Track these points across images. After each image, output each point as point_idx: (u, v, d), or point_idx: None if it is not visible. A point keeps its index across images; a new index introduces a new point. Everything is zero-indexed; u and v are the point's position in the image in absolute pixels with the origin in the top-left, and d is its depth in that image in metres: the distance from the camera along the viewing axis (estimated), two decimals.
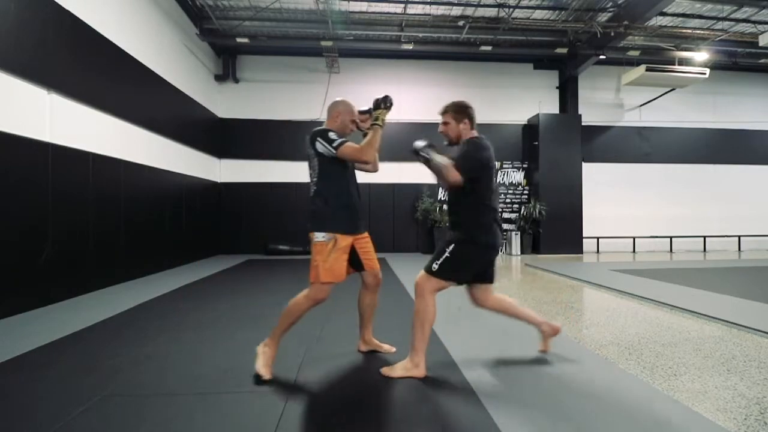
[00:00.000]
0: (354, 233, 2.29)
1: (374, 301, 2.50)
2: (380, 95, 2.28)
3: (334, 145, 2.16)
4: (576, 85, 10.05)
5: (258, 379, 2.10)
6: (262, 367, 2.14)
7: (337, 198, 2.24)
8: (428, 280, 2.22)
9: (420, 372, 2.16)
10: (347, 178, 2.30)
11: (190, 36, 7.85)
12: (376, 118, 2.24)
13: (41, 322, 3.34)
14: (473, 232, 2.22)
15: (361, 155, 2.17)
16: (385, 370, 2.20)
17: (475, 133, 2.37)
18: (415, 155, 2.20)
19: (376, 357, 2.48)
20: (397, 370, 2.18)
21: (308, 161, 2.28)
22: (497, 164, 10.07)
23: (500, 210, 2.23)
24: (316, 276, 2.16)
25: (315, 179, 2.25)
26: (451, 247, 2.21)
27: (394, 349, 2.57)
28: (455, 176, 2.14)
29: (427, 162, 2.16)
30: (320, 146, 2.18)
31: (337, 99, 2.43)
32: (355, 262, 2.35)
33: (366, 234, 2.41)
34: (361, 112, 2.39)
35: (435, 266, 2.21)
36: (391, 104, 2.27)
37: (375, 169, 2.47)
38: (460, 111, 2.36)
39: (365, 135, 2.36)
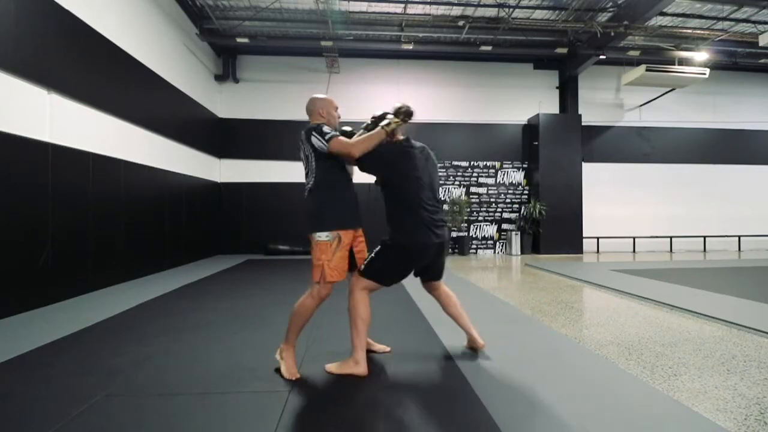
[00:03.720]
0: (355, 228, 2.29)
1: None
2: (405, 106, 2.23)
3: (327, 138, 2.14)
4: (576, 85, 10.05)
5: (290, 382, 2.10)
6: (287, 372, 2.15)
7: (336, 193, 2.22)
8: (358, 278, 2.25)
9: (360, 369, 2.16)
10: (343, 173, 2.28)
11: (190, 36, 7.85)
12: (388, 123, 2.21)
13: (41, 322, 3.34)
14: (394, 234, 2.25)
15: (351, 149, 2.13)
16: (329, 367, 2.22)
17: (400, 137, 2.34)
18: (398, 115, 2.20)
19: (374, 357, 2.48)
20: (338, 367, 2.20)
21: (303, 160, 2.25)
22: (497, 164, 10.13)
23: (433, 208, 2.20)
24: (322, 276, 2.15)
25: (312, 177, 2.21)
26: (376, 249, 2.25)
27: (388, 349, 2.57)
28: (355, 150, 2.13)
29: (377, 123, 2.19)
30: (315, 141, 2.15)
31: (314, 96, 2.39)
32: (349, 260, 2.34)
33: (361, 231, 2.40)
34: (374, 118, 2.35)
35: (362, 266, 2.25)
36: (409, 117, 2.24)
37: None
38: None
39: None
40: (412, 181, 2.23)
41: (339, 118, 2.40)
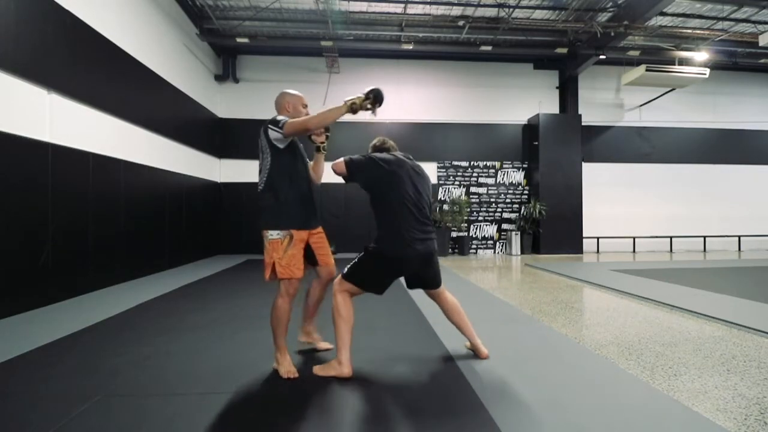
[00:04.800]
0: (308, 228, 2.28)
1: (323, 295, 2.53)
2: (376, 89, 2.19)
3: (280, 124, 2.13)
4: (576, 85, 10.05)
5: (290, 383, 2.11)
6: (286, 373, 2.15)
7: (289, 192, 2.20)
8: (340, 281, 2.26)
9: (344, 370, 2.14)
10: (299, 171, 2.26)
11: (190, 36, 7.85)
12: (352, 101, 2.15)
13: (41, 322, 3.34)
14: (377, 241, 2.24)
15: (306, 123, 2.09)
16: (315, 369, 2.22)
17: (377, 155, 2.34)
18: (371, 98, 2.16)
19: (373, 357, 2.48)
20: (323, 369, 2.20)
21: (259, 156, 2.24)
22: (497, 164, 10.13)
23: (417, 222, 2.19)
24: (273, 274, 2.16)
25: (265, 173, 2.20)
26: (360, 255, 2.26)
27: (330, 346, 2.58)
28: (310, 123, 2.11)
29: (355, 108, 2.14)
30: (272, 133, 2.14)
31: (284, 90, 2.37)
32: (309, 257, 2.34)
33: (320, 229, 2.40)
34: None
35: (346, 269, 2.25)
36: (377, 100, 2.19)
37: (318, 180, 2.47)
38: None
39: (318, 150, 2.40)
40: (396, 194, 2.20)
41: (308, 115, 2.34)
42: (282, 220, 2.18)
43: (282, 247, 2.15)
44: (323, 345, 2.61)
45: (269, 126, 2.17)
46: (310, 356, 2.50)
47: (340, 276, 2.28)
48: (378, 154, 2.31)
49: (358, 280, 2.23)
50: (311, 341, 2.61)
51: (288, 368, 2.17)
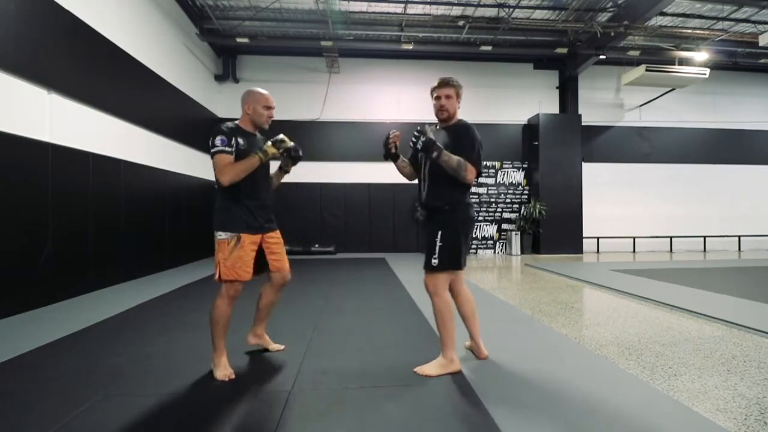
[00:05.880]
0: (259, 232, 2.26)
1: (275, 299, 2.50)
2: (299, 154, 2.24)
3: (212, 151, 2.13)
4: (576, 85, 10.05)
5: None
6: (222, 375, 2.13)
7: (240, 195, 2.20)
8: (435, 277, 2.21)
9: (455, 366, 2.18)
10: (255, 177, 2.22)
11: (190, 36, 7.85)
12: (265, 151, 2.15)
13: (41, 322, 3.34)
14: (459, 209, 2.23)
15: (220, 176, 2.10)
16: (420, 370, 2.19)
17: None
18: (425, 152, 2.14)
19: (373, 357, 2.48)
20: (434, 369, 2.18)
21: None
22: (497, 164, 10.13)
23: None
24: (218, 274, 2.16)
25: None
26: (439, 235, 2.20)
27: (282, 347, 2.57)
28: (472, 173, 2.17)
29: (438, 158, 2.12)
30: (210, 145, 2.14)
31: (250, 89, 2.31)
32: (260, 261, 2.31)
33: (275, 233, 2.37)
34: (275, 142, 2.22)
35: (435, 261, 2.19)
36: (292, 160, 2.24)
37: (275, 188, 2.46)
38: (461, 87, 2.33)
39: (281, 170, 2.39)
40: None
41: (269, 118, 2.32)
42: (230, 222, 2.18)
43: (228, 248, 2.15)
44: (275, 347, 2.57)
45: (211, 138, 2.15)
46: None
47: (429, 273, 2.22)
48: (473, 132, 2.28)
49: (454, 262, 2.20)
50: (261, 343, 2.56)
51: (224, 371, 2.14)
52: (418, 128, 2.17)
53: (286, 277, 2.44)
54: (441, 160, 2.13)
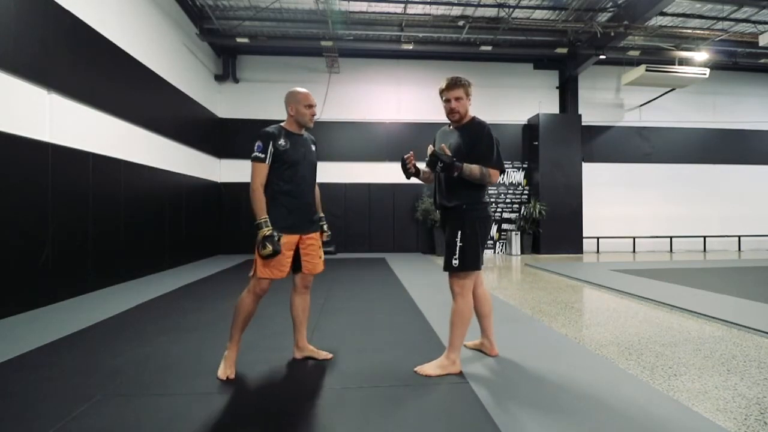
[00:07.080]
0: (299, 233, 2.27)
1: (304, 303, 2.43)
2: (270, 250, 2.11)
3: (252, 156, 2.22)
4: (576, 85, 10.05)
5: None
6: (221, 371, 2.14)
7: (281, 197, 2.23)
8: (460, 277, 2.19)
9: (456, 368, 2.18)
10: (297, 178, 2.26)
11: (190, 36, 7.85)
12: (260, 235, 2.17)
13: (41, 322, 3.34)
14: (477, 208, 2.21)
15: (251, 181, 2.25)
16: (420, 369, 2.19)
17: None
18: (446, 173, 2.13)
19: (372, 357, 2.48)
20: (434, 369, 2.18)
21: None
22: None
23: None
24: (254, 270, 2.19)
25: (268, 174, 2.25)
26: (459, 235, 2.17)
27: (330, 356, 2.44)
28: (496, 175, 2.17)
29: (460, 175, 2.12)
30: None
31: (292, 89, 2.35)
32: (295, 262, 2.31)
33: (313, 235, 2.36)
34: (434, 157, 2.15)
35: (455, 262, 2.16)
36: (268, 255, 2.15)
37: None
38: (470, 85, 2.30)
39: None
40: None
41: (313, 116, 2.34)
42: (271, 220, 2.19)
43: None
44: (323, 355, 2.43)
45: (256, 139, 2.24)
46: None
47: (453, 275, 2.20)
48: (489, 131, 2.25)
49: (474, 262, 2.18)
50: (307, 354, 2.43)
51: (226, 370, 2.14)
52: (430, 153, 2.15)
53: (310, 281, 2.42)
54: (464, 175, 2.12)
